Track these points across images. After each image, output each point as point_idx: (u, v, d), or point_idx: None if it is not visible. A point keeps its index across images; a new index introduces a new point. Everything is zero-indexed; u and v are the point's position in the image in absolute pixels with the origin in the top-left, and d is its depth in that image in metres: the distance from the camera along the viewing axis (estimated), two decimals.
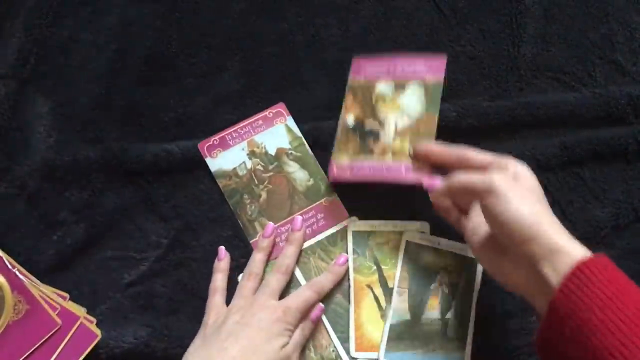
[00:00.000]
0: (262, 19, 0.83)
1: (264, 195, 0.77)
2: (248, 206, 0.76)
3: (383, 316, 0.72)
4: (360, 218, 0.76)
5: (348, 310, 0.73)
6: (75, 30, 0.84)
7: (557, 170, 0.76)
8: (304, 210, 0.76)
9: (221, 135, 0.79)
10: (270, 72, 0.81)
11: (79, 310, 0.72)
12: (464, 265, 0.72)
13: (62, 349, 0.68)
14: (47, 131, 0.79)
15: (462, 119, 0.77)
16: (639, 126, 0.76)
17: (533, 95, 0.79)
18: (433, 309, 0.71)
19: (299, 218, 0.75)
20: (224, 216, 0.77)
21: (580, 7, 0.82)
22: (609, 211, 0.75)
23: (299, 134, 0.79)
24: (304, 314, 0.70)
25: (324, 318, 0.72)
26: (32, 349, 0.68)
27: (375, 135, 0.75)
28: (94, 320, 0.72)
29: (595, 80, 0.79)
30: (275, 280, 0.71)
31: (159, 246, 0.76)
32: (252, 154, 0.78)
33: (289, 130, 0.79)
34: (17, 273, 0.70)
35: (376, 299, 0.73)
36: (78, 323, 0.70)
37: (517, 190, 0.58)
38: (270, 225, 0.76)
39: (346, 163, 0.75)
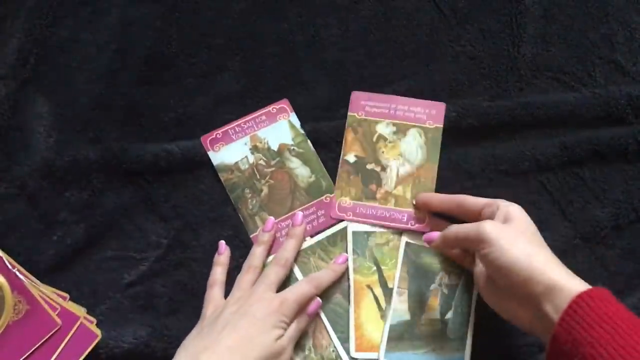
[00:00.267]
0: (263, 19, 0.83)
1: (265, 190, 0.77)
2: (249, 201, 0.77)
3: (383, 316, 0.72)
4: None
5: (348, 310, 0.73)
6: (75, 30, 0.83)
7: (557, 170, 0.76)
8: (305, 206, 0.76)
9: (224, 129, 0.79)
10: (271, 72, 0.81)
11: (79, 311, 0.72)
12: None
13: (62, 349, 0.68)
14: (47, 131, 0.79)
15: (462, 119, 0.77)
16: (639, 126, 0.76)
17: (533, 95, 0.79)
18: (433, 310, 0.71)
19: (299, 213, 0.75)
20: (224, 216, 0.77)
21: (580, 7, 0.82)
22: (609, 211, 0.75)
23: (302, 130, 0.79)
24: (301, 308, 0.69)
25: (323, 318, 0.72)
26: (32, 349, 0.68)
27: (377, 179, 0.77)
28: (94, 320, 0.72)
29: (595, 80, 0.79)
30: (274, 273, 0.71)
31: (159, 246, 0.76)
32: (254, 149, 0.78)
33: (292, 126, 0.79)
34: (17, 273, 0.70)
35: (376, 299, 0.73)
36: (78, 323, 0.70)
37: (508, 234, 0.61)
38: (271, 219, 0.76)
39: (348, 205, 0.76)
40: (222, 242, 0.75)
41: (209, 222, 0.77)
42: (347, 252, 0.74)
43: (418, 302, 0.72)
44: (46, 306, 0.69)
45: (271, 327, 0.66)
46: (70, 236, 0.76)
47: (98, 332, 0.70)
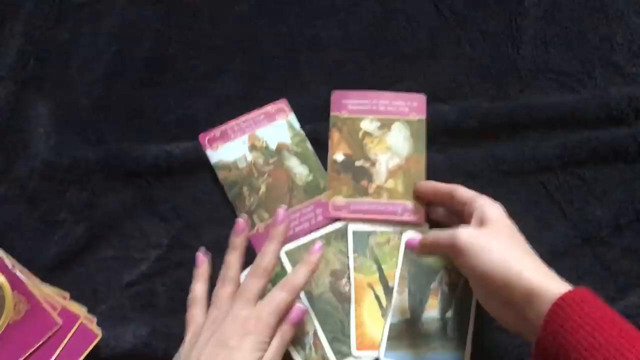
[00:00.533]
0: (263, 21, 0.83)
1: (263, 188, 0.77)
2: (247, 198, 0.76)
3: (384, 315, 0.72)
4: None
5: (337, 309, 0.73)
6: (76, 32, 0.84)
7: (557, 170, 0.76)
8: (303, 204, 0.76)
9: (223, 128, 0.79)
10: (271, 74, 0.82)
11: (80, 310, 0.71)
12: None
13: (62, 349, 0.68)
14: (47, 132, 0.79)
15: (462, 120, 0.77)
16: (639, 127, 0.77)
17: (533, 97, 0.79)
18: (433, 308, 0.71)
19: (281, 210, 0.69)
20: (224, 217, 0.77)
21: (580, 9, 0.82)
22: (609, 211, 0.75)
23: (301, 130, 0.79)
24: (280, 319, 0.64)
25: (313, 317, 0.72)
26: (33, 348, 0.67)
27: (368, 175, 0.77)
28: (94, 320, 0.72)
29: (595, 82, 0.79)
30: (252, 285, 0.65)
31: (159, 246, 0.76)
32: (253, 148, 0.78)
33: (291, 126, 0.79)
34: (18, 273, 0.70)
35: (377, 298, 0.72)
36: (78, 323, 0.70)
37: (482, 239, 0.60)
38: (240, 221, 0.70)
39: (342, 203, 0.76)
40: (200, 254, 0.72)
41: (209, 222, 0.77)
42: (346, 252, 0.74)
43: (418, 301, 0.72)
44: (46, 306, 0.69)
45: (249, 352, 0.60)
46: (70, 236, 0.76)
47: (98, 331, 0.70)
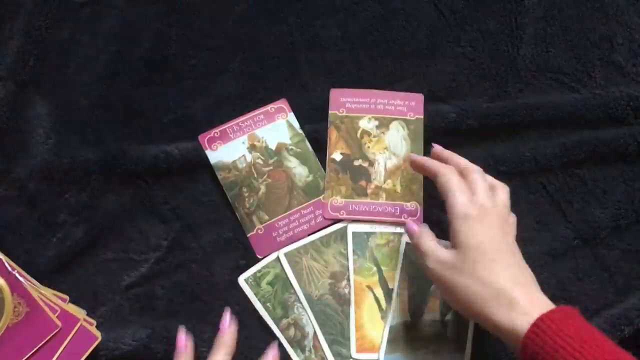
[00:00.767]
0: (262, 21, 0.83)
1: (263, 189, 0.77)
2: (246, 199, 0.76)
3: (383, 317, 0.72)
4: None
5: (337, 311, 0.73)
6: (75, 32, 0.83)
7: (557, 170, 0.76)
8: (303, 205, 0.76)
9: (222, 128, 0.79)
10: (271, 74, 0.81)
11: (79, 313, 0.71)
12: None
13: (62, 351, 0.68)
14: (46, 133, 0.79)
15: (461, 120, 0.77)
16: (639, 127, 0.76)
17: (533, 96, 0.79)
18: (433, 311, 0.71)
19: (227, 314, 0.68)
20: (224, 218, 0.77)
21: (580, 8, 0.82)
22: (609, 212, 0.75)
23: (300, 130, 0.79)
24: None
25: (312, 320, 0.72)
26: (32, 351, 0.67)
27: (366, 175, 0.77)
28: (94, 322, 0.72)
29: (595, 81, 0.79)
30: None
31: (158, 248, 0.76)
32: (252, 148, 0.78)
33: (290, 126, 0.79)
34: (17, 275, 0.70)
35: (377, 300, 0.72)
36: (78, 325, 0.69)
37: (447, 275, 0.61)
38: (181, 338, 0.67)
39: (340, 203, 0.76)
40: (181, 336, 0.68)
41: (208, 223, 0.77)
42: (346, 253, 0.74)
43: (418, 303, 0.72)
44: (46, 308, 0.69)
45: None
46: (69, 238, 0.76)
47: (98, 334, 0.70)
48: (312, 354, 0.71)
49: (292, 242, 0.75)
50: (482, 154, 0.77)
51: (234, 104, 0.80)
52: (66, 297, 0.73)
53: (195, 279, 0.75)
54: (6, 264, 0.71)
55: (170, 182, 0.78)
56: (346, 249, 0.74)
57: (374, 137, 0.78)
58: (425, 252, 0.63)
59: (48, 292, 0.72)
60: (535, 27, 0.81)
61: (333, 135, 0.78)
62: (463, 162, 0.67)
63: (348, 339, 0.72)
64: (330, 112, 0.79)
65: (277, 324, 0.72)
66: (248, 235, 0.76)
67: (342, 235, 0.75)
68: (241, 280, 0.74)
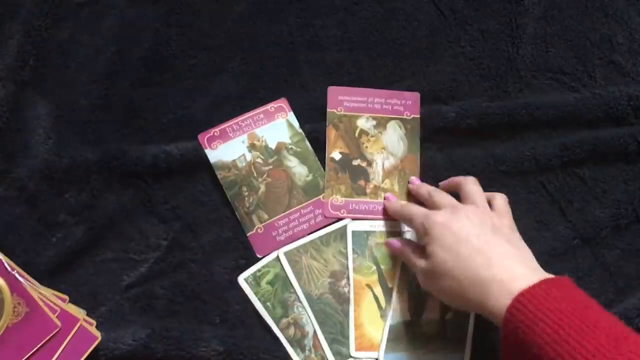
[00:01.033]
0: (262, 21, 0.83)
1: (262, 188, 0.77)
2: (246, 199, 0.76)
3: (383, 316, 0.72)
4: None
5: (337, 310, 0.73)
6: (75, 32, 0.83)
7: (557, 170, 0.76)
8: (302, 205, 0.76)
9: (222, 127, 0.79)
10: (270, 74, 0.81)
11: (79, 313, 0.71)
12: None
13: (61, 351, 0.68)
14: (46, 133, 0.79)
15: (461, 119, 0.77)
16: (639, 126, 0.76)
17: (533, 96, 0.79)
18: (433, 310, 0.71)
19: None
20: (224, 217, 0.77)
21: (580, 8, 0.82)
22: (609, 212, 0.75)
23: (300, 129, 0.79)
24: None
25: (312, 319, 0.72)
26: (32, 351, 0.67)
27: (365, 175, 0.77)
28: (94, 322, 0.72)
29: (595, 81, 0.79)
30: None
31: (158, 248, 0.76)
32: (252, 147, 0.78)
33: (290, 125, 0.79)
34: (17, 275, 0.70)
35: (376, 298, 0.73)
36: (78, 325, 0.69)
37: (429, 285, 0.65)
38: None
39: (340, 202, 0.76)
40: None
41: (208, 223, 0.77)
42: (345, 252, 0.74)
43: (418, 302, 0.72)
44: (46, 308, 0.69)
45: None
46: (69, 238, 0.76)
47: (98, 334, 0.70)
48: (312, 353, 0.71)
49: (292, 242, 0.75)
50: (481, 154, 0.77)
51: (234, 103, 0.80)
52: (66, 297, 0.73)
53: (195, 279, 0.75)
54: (6, 264, 0.71)
55: (170, 181, 0.78)
56: (346, 248, 0.74)
57: (372, 137, 0.78)
58: (410, 266, 0.68)
59: (48, 292, 0.72)
60: (535, 27, 0.81)
61: (332, 134, 0.78)
62: (456, 180, 0.73)
63: (348, 337, 0.72)
64: (328, 110, 0.79)
65: (277, 323, 0.72)
66: (248, 235, 0.76)
67: (341, 234, 0.75)
68: (241, 279, 0.74)
